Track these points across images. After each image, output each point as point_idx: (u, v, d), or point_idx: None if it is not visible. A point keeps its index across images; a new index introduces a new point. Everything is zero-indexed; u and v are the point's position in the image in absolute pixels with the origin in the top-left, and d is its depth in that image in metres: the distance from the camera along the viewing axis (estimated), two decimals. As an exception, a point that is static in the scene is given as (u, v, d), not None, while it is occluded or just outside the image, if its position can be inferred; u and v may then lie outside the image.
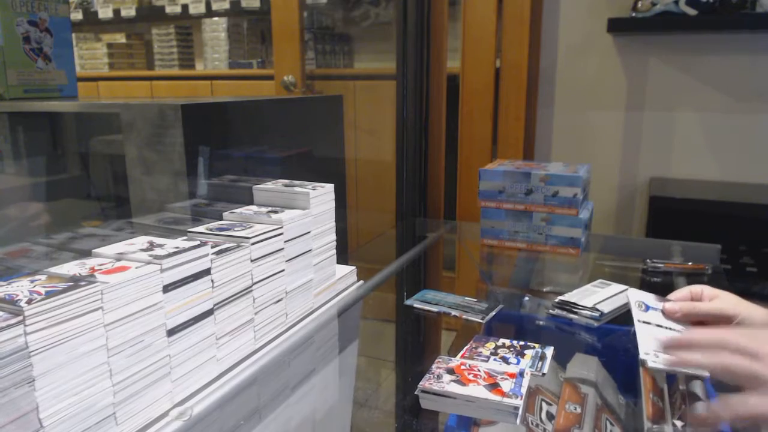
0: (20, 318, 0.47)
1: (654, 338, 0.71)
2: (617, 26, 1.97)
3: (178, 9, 3.10)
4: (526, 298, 1.17)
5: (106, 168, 1.23)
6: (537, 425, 0.68)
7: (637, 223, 2.17)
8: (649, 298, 0.83)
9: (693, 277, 1.18)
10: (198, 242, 0.66)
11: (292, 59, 2.52)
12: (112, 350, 0.55)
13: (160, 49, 3.25)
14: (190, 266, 0.64)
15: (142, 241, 0.66)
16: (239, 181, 0.94)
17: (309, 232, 0.87)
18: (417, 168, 1.91)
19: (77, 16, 3.31)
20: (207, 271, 0.67)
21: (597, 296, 1.04)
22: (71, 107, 1.19)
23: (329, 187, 0.91)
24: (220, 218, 0.83)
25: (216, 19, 3.04)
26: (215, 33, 3.04)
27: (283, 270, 0.81)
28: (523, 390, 0.68)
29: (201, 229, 0.77)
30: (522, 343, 0.84)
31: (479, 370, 0.73)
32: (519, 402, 0.66)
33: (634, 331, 0.74)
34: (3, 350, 0.45)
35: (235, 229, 0.77)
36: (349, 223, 1.82)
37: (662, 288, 1.14)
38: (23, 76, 1.15)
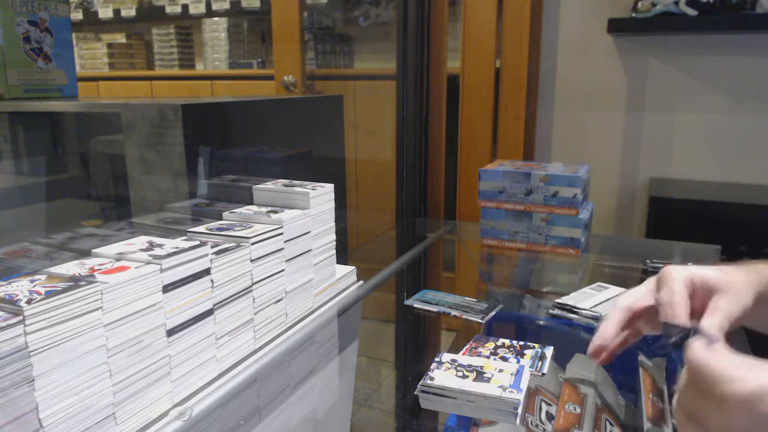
0: (20, 318, 0.47)
1: None
2: (617, 27, 1.97)
3: (178, 9, 3.10)
4: (526, 299, 1.17)
5: (106, 168, 1.23)
6: (536, 425, 0.68)
7: (637, 223, 2.17)
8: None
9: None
10: (198, 242, 0.66)
11: (292, 59, 2.52)
12: (111, 350, 0.55)
13: (160, 49, 3.25)
14: (189, 266, 0.64)
15: (141, 241, 0.66)
16: (239, 181, 0.94)
17: (309, 232, 0.87)
18: (417, 168, 1.91)
19: (77, 16, 3.31)
20: (207, 271, 0.67)
21: (595, 299, 1.04)
22: (71, 107, 1.19)
23: (329, 187, 0.91)
24: (220, 218, 0.83)
25: (216, 19, 3.04)
26: (215, 33, 3.04)
27: (283, 270, 0.81)
28: (523, 387, 0.68)
29: (201, 229, 0.77)
30: (522, 343, 0.84)
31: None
32: (519, 396, 0.66)
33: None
34: (3, 350, 0.45)
35: (235, 229, 0.77)
36: (349, 223, 1.82)
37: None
38: (23, 76, 1.15)
